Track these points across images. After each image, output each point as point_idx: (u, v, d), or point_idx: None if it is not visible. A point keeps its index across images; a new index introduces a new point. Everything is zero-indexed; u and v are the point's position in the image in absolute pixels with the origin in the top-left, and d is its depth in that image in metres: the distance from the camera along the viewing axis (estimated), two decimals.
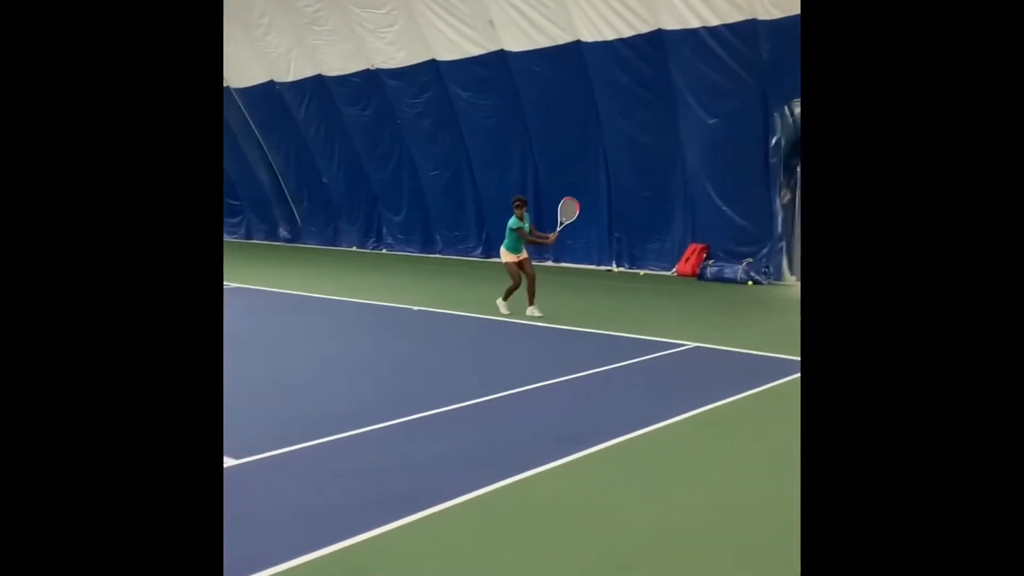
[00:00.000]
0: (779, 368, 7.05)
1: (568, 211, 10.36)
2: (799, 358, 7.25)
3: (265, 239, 21.86)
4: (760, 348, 7.83)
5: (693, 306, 11.27)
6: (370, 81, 17.27)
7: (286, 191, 20.86)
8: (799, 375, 6.70)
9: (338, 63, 17.45)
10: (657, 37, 13.54)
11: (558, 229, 10.17)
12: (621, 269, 15.46)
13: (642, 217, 15.08)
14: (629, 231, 15.39)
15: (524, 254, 9.91)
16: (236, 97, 19.87)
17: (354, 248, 19.74)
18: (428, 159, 17.59)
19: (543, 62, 14.90)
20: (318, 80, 18.06)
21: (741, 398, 6.20)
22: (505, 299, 9.91)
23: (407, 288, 12.69)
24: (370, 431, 5.32)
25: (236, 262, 16.47)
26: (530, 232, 9.94)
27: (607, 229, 15.68)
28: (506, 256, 9.85)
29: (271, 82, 18.88)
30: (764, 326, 9.47)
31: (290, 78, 18.49)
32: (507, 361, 7.67)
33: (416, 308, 10.29)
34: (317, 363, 7.46)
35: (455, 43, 15.62)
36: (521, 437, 5.31)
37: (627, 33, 13.78)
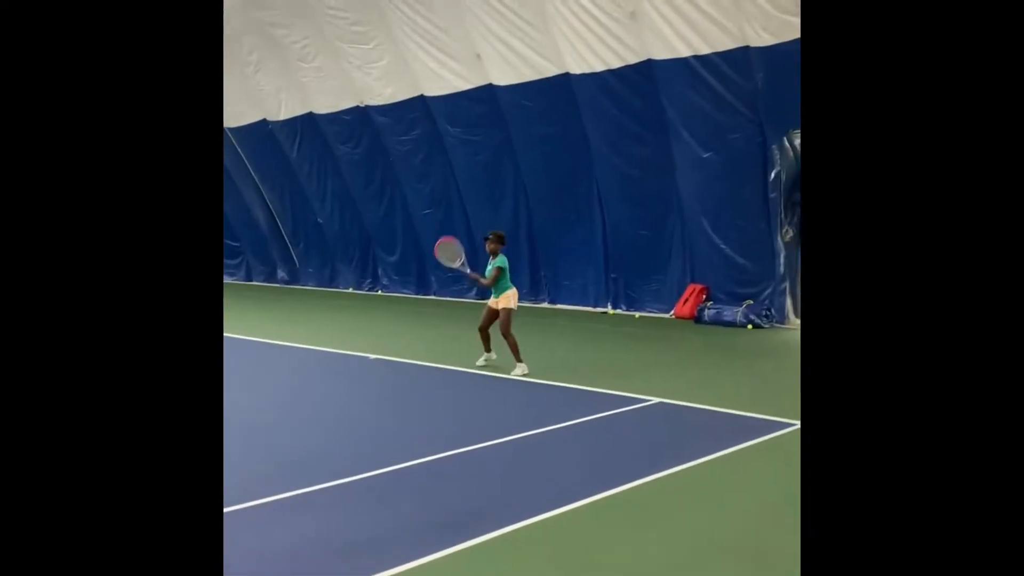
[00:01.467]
0: (743, 427, 6.16)
1: (450, 253, 9.02)
2: (775, 417, 6.44)
3: (265, 281, 21.41)
4: (734, 405, 6.97)
5: (680, 353, 10.38)
6: (360, 118, 16.81)
7: (283, 232, 20.42)
8: (765, 437, 5.93)
9: (328, 100, 17.03)
10: (647, 68, 12.85)
11: (466, 272, 9.02)
12: (617, 311, 14.62)
13: (639, 256, 14.26)
14: (626, 271, 14.58)
15: (503, 296, 8.62)
16: (231, 137, 19.56)
17: (350, 289, 19.17)
18: (420, 197, 17.01)
19: (532, 95, 14.28)
20: (309, 118, 17.66)
21: (691, 466, 5.35)
22: (518, 358, 8.58)
23: (379, 333, 12.00)
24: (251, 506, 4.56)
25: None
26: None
27: (603, 269, 14.89)
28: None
29: (263, 121, 18.53)
30: (752, 377, 8.58)
31: (282, 116, 18.13)
32: (437, 419, 6.88)
33: (373, 357, 9.57)
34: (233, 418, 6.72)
35: (443, 78, 15.09)
36: (398, 522, 4.50)
37: (616, 64, 13.11)
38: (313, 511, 4.62)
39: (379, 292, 18.64)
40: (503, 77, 14.38)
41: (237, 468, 5.29)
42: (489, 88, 14.69)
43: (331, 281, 19.70)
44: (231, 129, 19.38)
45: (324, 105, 17.17)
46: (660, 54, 12.55)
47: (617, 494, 4.83)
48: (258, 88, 17.92)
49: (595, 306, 15.01)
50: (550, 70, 13.85)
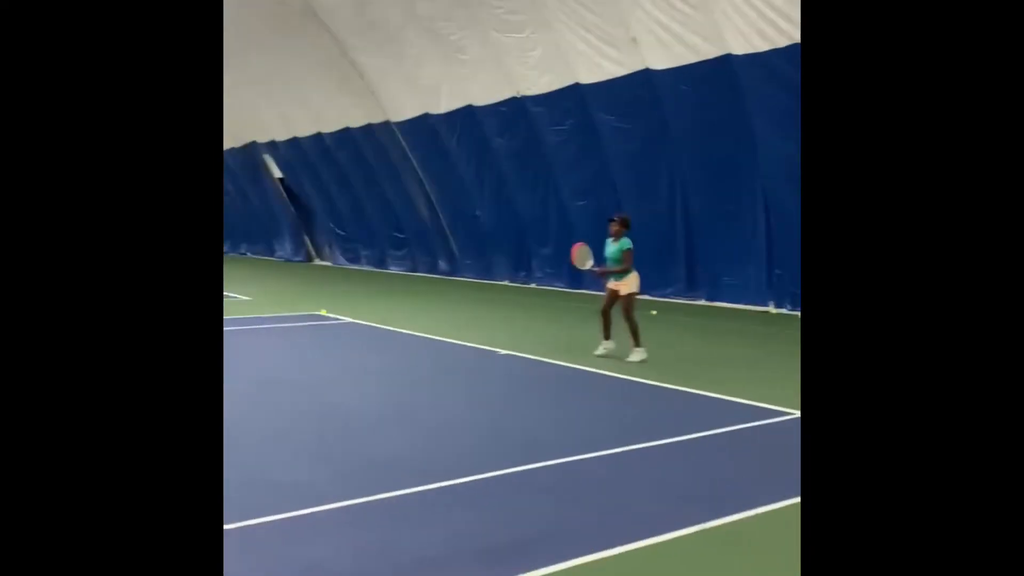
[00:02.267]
0: None
1: (582, 258, 9.22)
2: None
3: (428, 272, 21.83)
4: None
5: None
6: (516, 109, 16.64)
7: (444, 224, 20.70)
8: None
9: (485, 92, 16.99)
10: None
11: (595, 270, 9.14)
12: (781, 311, 13.51)
13: None
14: (792, 268, 13.41)
15: (620, 284, 8.69)
16: (396, 130, 20.04)
17: (505, 282, 19.11)
18: (573, 188, 16.60)
19: (690, 80, 13.47)
20: (468, 111, 17.71)
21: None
22: (637, 343, 8.67)
23: (521, 327, 11.73)
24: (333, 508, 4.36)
25: (370, 295, 16.35)
26: (609, 257, 8.83)
27: (766, 265, 13.81)
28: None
29: (426, 115, 18.81)
30: None
31: (442, 110, 18.31)
32: (541, 424, 6.40)
33: (503, 352, 9.27)
34: (324, 410, 6.60)
35: (598, 64, 14.58)
36: (439, 546, 4.10)
37: (782, 43, 12.04)
38: (353, 527, 4.35)
39: (533, 285, 18.43)
40: (660, 61, 13.67)
41: (316, 466, 5.14)
42: (645, 73, 14.02)
43: (487, 273, 19.73)
44: (396, 124, 19.86)
45: (482, 97, 17.15)
46: None
47: (710, 529, 4.18)
48: (420, 82, 18.19)
49: (757, 304, 13.97)
50: (710, 52, 12.99)
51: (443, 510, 4.39)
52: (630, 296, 8.62)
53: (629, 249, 8.61)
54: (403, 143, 20.12)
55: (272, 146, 25.76)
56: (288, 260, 27.92)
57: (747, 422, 6.23)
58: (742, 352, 9.88)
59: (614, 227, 8.71)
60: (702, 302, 14.88)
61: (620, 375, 7.88)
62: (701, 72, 13.24)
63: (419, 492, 4.61)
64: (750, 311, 13.77)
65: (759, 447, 5.68)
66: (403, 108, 19.31)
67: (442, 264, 21.36)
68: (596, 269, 8.87)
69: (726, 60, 12.86)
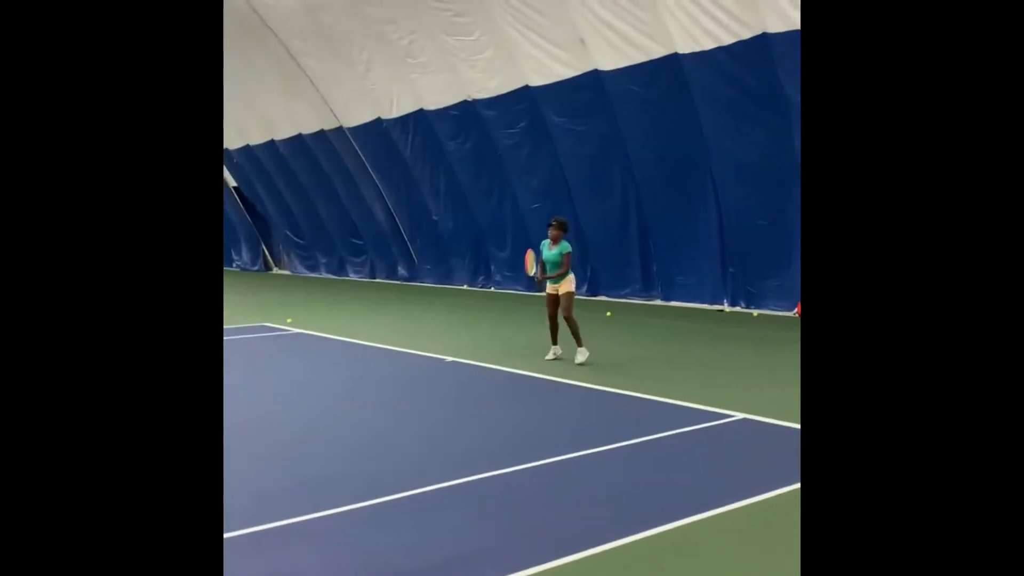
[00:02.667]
0: None
1: (531, 264, 9.26)
2: None
3: (387, 278, 21.61)
4: None
5: (789, 356, 9.31)
6: (467, 113, 16.51)
7: (401, 229, 20.51)
8: None
9: (436, 96, 16.85)
10: (763, 42, 11.73)
11: (539, 277, 8.97)
12: (736, 309, 13.54)
13: (758, 249, 13.11)
14: (744, 265, 13.46)
15: (560, 285, 8.71)
16: (349, 137, 19.81)
17: (464, 286, 18.97)
18: (528, 191, 16.51)
19: (640, 79, 13.44)
20: (420, 115, 17.55)
21: (764, 499, 4.51)
22: (580, 343, 8.72)
23: (473, 332, 11.59)
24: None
25: (327, 303, 16.10)
26: (549, 260, 8.80)
27: (720, 263, 13.83)
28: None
29: (378, 119, 18.61)
30: None
31: (394, 114, 18.12)
32: (484, 433, 6.28)
33: (449, 359, 9.13)
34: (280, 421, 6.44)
35: (547, 66, 14.50)
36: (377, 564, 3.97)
37: (728, 40, 12.07)
38: (302, 542, 4.19)
39: (492, 289, 18.31)
40: (608, 61, 13.63)
41: (256, 484, 4.97)
42: (594, 74, 13.97)
43: (447, 278, 19.58)
44: (349, 129, 19.62)
45: (433, 101, 17.00)
46: (776, 27, 11.41)
47: (655, 536, 4.10)
48: (371, 87, 17.99)
49: (712, 303, 13.99)
50: (657, 51, 12.97)
51: (372, 529, 4.25)
52: (569, 295, 8.61)
53: (568, 253, 8.64)
54: (357, 149, 19.90)
55: (225, 155, 25.35)
56: (245, 269, 27.52)
57: (696, 424, 6.16)
58: (696, 353, 9.84)
59: (553, 231, 8.69)
60: (658, 302, 14.88)
61: (570, 381, 7.79)
62: (650, 71, 13.21)
63: (348, 511, 4.46)
64: (705, 310, 13.78)
65: (708, 450, 5.61)
66: (356, 113, 19.09)
67: (401, 270, 21.16)
68: (538, 275, 8.84)
69: (674, 59, 12.85)
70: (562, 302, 8.60)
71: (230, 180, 26.31)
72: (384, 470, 5.26)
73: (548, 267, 8.68)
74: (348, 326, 12.35)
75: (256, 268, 27.30)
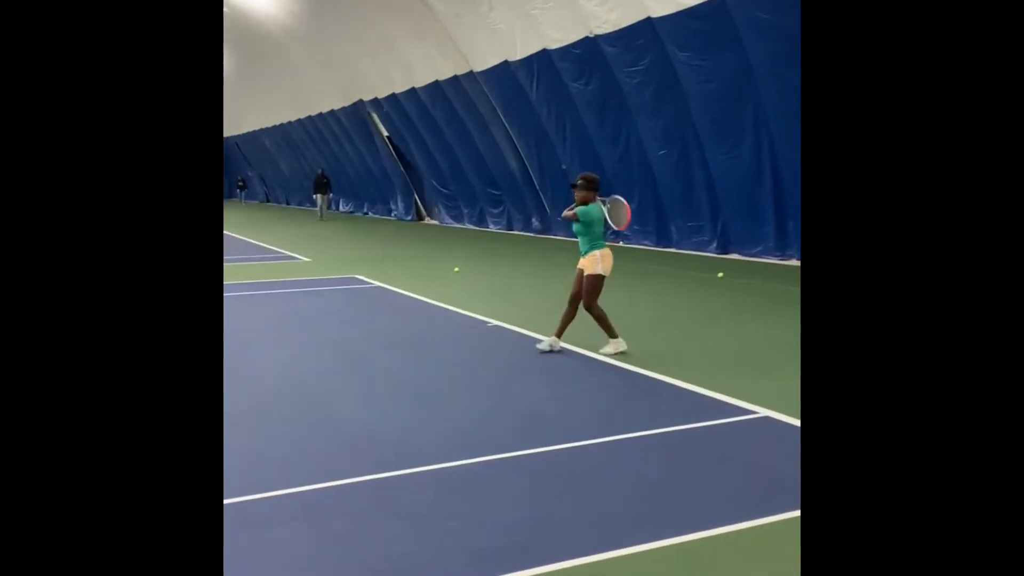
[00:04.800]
0: None
1: (617, 217, 7.08)
2: None
3: (522, 229, 20.88)
4: None
5: None
6: (590, 51, 15.18)
7: (534, 179, 19.62)
8: None
9: (558, 34, 15.63)
10: None
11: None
12: None
13: None
14: None
15: (587, 255, 6.82)
16: (480, 81, 19.07)
17: None
18: (654, 136, 15.02)
19: (770, 5, 11.56)
20: (544, 55, 16.42)
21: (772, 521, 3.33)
22: (612, 333, 6.93)
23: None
24: None
25: (430, 257, 15.56)
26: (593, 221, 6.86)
27: None
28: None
29: (505, 62, 17.68)
30: None
31: (518, 56, 17.11)
32: (493, 414, 5.30)
33: (492, 323, 8.21)
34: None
35: None
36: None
37: None
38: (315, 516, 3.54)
39: (620, 244, 17.06)
40: None
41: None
42: (720, 2, 12.21)
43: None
44: (479, 73, 18.87)
45: (555, 39, 15.81)
46: None
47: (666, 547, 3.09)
48: (496, 27, 17.05)
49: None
50: None
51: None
52: (594, 279, 6.76)
53: (577, 213, 6.79)
54: (488, 94, 19.14)
55: (376, 104, 25.53)
56: (400, 220, 27.85)
57: (710, 420, 4.90)
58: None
59: (580, 193, 6.81)
60: (793, 262, 13.04)
61: (628, 366, 6.55)
62: None
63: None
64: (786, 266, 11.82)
65: (700, 452, 4.38)
66: (484, 56, 18.28)
67: (535, 222, 20.33)
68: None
69: None
70: (585, 284, 6.78)
71: (383, 129, 26.54)
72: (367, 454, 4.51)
73: (582, 238, 6.85)
74: (433, 284, 11.74)
75: (409, 218, 27.54)
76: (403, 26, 20.12)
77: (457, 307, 9.22)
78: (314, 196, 29.56)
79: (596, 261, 6.77)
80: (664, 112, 14.48)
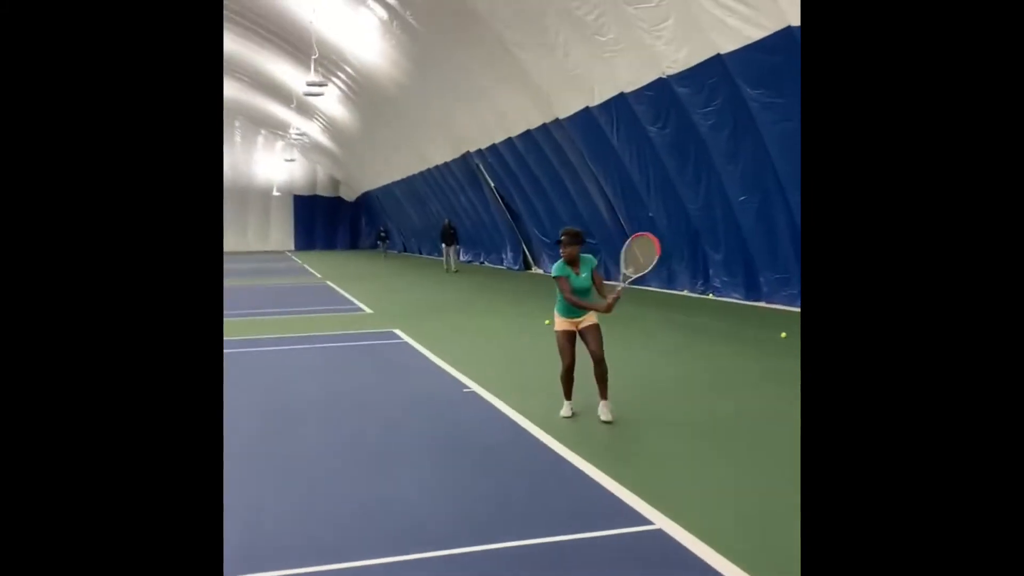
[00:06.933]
0: None
1: (637, 256, 6.38)
2: None
3: (616, 280, 19.93)
4: None
5: None
6: (663, 92, 14.27)
7: (624, 227, 18.68)
8: None
9: (631, 75, 14.84)
10: None
11: (622, 285, 6.25)
12: None
13: None
14: None
15: (585, 318, 6.28)
16: (567, 128, 18.49)
17: (686, 291, 16.66)
18: (733, 181, 13.82)
19: None
20: (621, 100, 15.64)
21: None
22: (565, 395, 6.42)
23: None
24: None
25: (490, 312, 14.87)
26: (582, 288, 6.22)
27: None
28: (556, 321, 6.43)
29: (586, 108, 17.03)
30: None
31: (596, 101, 16.42)
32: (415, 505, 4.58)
33: (465, 390, 7.44)
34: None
35: (734, 28, 11.84)
36: None
37: None
38: None
39: (710, 296, 15.78)
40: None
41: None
42: (787, 32, 11.05)
43: (670, 282, 17.37)
44: (564, 120, 18.31)
45: (629, 82, 15.02)
46: None
47: None
48: (573, 72, 16.47)
49: None
50: None
51: None
52: (598, 329, 6.27)
53: (553, 276, 6.30)
54: (575, 141, 18.52)
55: (480, 155, 25.51)
56: (509, 268, 27.52)
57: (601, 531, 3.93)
58: None
59: (568, 249, 6.19)
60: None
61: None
62: None
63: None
64: None
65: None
66: (566, 102, 17.73)
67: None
68: (609, 299, 6.08)
69: None
70: (591, 338, 6.21)
71: (489, 180, 26.47)
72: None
73: (580, 295, 6.22)
74: (460, 341, 11.08)
75: (517, 267, 27.16)
76: (494, 76, 19.97)
77: (457, 370, 8.52)
78: (441, 246, 27.85)
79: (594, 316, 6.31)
80: (742, 155, 13.31)
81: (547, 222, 23.22)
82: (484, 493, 4.71)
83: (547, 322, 11.78)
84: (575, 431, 5.99)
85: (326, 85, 27.97)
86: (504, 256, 28.35)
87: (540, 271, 25.60)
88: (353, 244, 52.99)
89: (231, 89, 39.97)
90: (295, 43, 28.48)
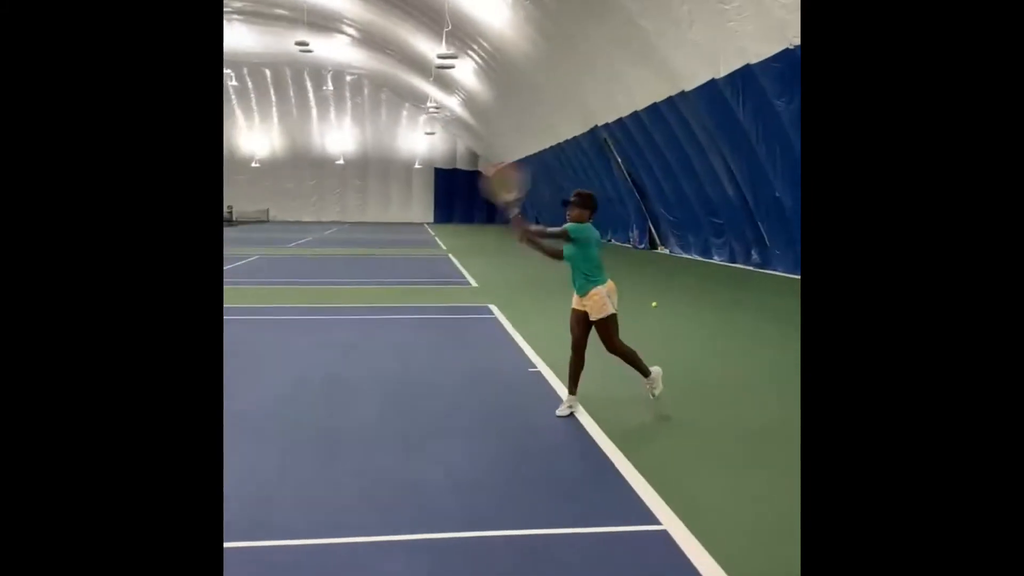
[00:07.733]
0: None
1: (503, 183, 5.62)
2: None
3: (744, 262, 19.01)
4: None
5: None
6: (791, 64, 13.33)
7: (751, 206, 17.74)
8: None
9: (757, 46, 13.95)
10: None
11: (510, 213, 5.58)
12: None
13: None
14: None
15: (586, 301, 5.59)
16: (692, 100, 17.69)
17: None
18: None
19: None
20: (747, 72, 14.76)
21: None
22: (644, 371, 5.77)
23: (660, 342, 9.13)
24: None
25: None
26: (569, 254, 5.60)
27: None
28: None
29: (712, 80, 16.20)
30: None
31: (721, 73, 15.57)
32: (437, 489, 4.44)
33: (531, 369, 7.17)
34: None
35: None
36: None
37: None
38: None
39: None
40: None
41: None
42: None
43: (796, 267, 16.36)
44: (689, 92, 17.52)
45: (755, 52, 14.13)
46: None
47: None
48: (698, 43, 15.70)
49: None
50: None
51: None
52: (606, 323, 5.54)
53: (568, 231, 5.48)
54: (702, 114, 17.70)
55: (607, 128, 24.93)
56: (635, 248, 26.91)
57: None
58: None
59: (574, 211, 5.54)
60: None
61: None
62: None
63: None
64: None
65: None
66: (693, 75, 16.94)
67: (754, 254, 18.40)
68: (513, 214, 5.56)
69: None
70: (600, 335, 5.58)
71: (616, 155, 25.88)
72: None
73: (575, 270, 5.61)
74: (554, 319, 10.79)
75: (642, 246, 26.51)
76: (619, 47, 19.37)
77: (533, 348, 8.28)
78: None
79: (602, 302, 5.54)
80: None
81: (672, 199, 22.46)
82: (501, 479, 4.48)
83: (654, 304, 11.33)
84: (621, 422, 5.63)
85: (457, 58, 28.17)
86: (631, 234, 27.74)
87: (667, 251, 24.86)
88: (489, 218, 53.52)
89: (373, 62, 41.11)
90: (432, 16, 28.83)
